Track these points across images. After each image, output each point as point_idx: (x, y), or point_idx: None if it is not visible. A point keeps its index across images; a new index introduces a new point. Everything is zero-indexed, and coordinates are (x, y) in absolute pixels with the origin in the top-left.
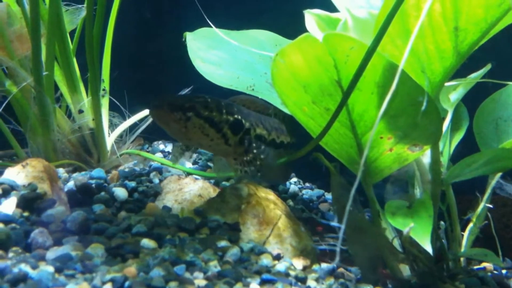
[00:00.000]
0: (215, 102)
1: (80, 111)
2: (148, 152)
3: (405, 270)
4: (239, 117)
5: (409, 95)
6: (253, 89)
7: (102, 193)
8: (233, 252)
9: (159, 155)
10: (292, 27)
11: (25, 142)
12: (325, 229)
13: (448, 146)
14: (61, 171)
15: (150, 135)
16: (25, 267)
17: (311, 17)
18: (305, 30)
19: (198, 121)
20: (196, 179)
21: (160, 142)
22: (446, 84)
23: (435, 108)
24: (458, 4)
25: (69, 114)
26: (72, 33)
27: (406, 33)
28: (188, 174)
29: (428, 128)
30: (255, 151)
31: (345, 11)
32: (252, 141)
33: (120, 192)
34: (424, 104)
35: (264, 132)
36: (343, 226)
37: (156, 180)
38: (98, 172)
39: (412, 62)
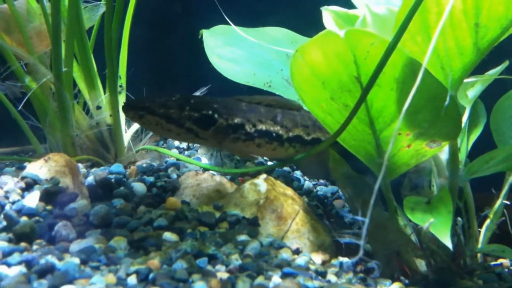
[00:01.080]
0: (179, 100)
1: (98, 107)
2: (163, 148)
3: (421, 265)
4: (210, 113)
5: (429, 92)
6: (269, 86)
7: (122, 188)
8: (253, 246)
9: (174, 151)
10: (307, 24)
11: (43, 137)
12: (339, 224)
13: (465, 142)
14: (80, 166)
15: None
16: (52, 259)
17: (329, 14)
18: (321, 27)
19: (153, 118)
20: (213, 174)
21: None
22: (464, 81)
23: (455, 105)
24: (480, 1)
25: (86, 110)
26: (88, 30)
27: (426, 29)
28: (205, 170)
29: (448, 125)
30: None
31: (363, 8)
32: (224, 135)
33: (139, 187)
34: (447, 99)
35: (275, 128)
36: (367, 221)
37: (174, 175)
38: (117, 167)
39: (432, 59)
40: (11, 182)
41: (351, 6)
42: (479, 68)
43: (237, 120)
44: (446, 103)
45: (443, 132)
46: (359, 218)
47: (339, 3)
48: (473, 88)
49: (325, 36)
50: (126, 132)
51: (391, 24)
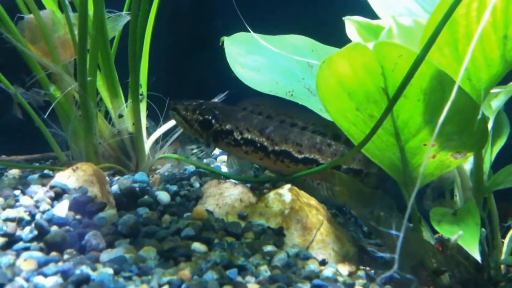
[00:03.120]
0: (195, 105)
1: (120, 116)
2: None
3: (444, 277)
4: (209, 117)
5: (456, 103)
6: (292, 95)
7: (146, 197)
8: (281, 257)
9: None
10: (328, 32)
11: (65, 145)
12: (358, 233)
13: (489, 153)
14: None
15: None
16: (86, 269)
17: (352, 24)
18: (341, 35)
19: (178, 118)
20: (235, 183)
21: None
22: None
23: (482, 116)
24: (509, 13)
25: (108, 118)
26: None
27: (454, 42)
28: (226, 178)
29: (474, 136)
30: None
31: (387, 19)
32: (211, 139)
33: (163, 196)
34: (480, 113)
35: (260, 139)
36: (401, 235)
37: (197, 184)
38: (141, 176)
39: (458, 70)
40: (40, 192)
41: (373, 15)
42: (502, 79)
43: (228, 127)
44: (479, 116)
45: (469, 143)
46: (392, 232)
47: (360, 13)
48: (497, 99)
49: (354, 48)
50: (147, 140)
51: (417, 35)
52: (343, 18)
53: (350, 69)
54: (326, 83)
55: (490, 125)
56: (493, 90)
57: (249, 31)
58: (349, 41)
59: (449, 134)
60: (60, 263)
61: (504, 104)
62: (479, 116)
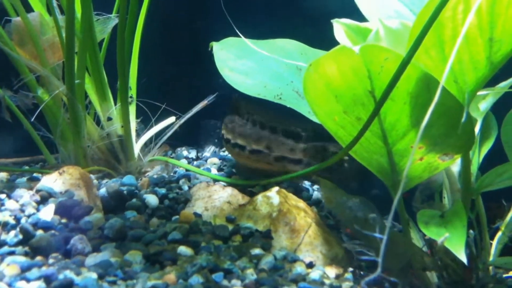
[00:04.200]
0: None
1: (109, 119)
2: (172, 158)
3: (432, 278)
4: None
5: (443, 105)
6: (280, 98)
7: (134, 200)
8: (268, 260)
9: (183, 161)
10: (317, 36)
11: (54, 148)
12: (348, 235)
13: (477, 155)
14: (92, 178)
15: (174, 142)
16: (70, 274)
17: (340, 27)
18: (330, 38)
19: None
20: (224, 186)
21: (183, 148)
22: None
23: (468, 118)
24: (495, 16)
25: (97, 121)
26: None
27: (440, 44)
28: (215, 180)
29: (461, 138)
30: None
31: (376, 21)
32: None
33: (152, 199)
34: (464, 116)
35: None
36: (385, 238)
37: (186, 187)
38: (129, 179)
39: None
40: (26, 195)
41: (362, 18)
42: (490, 81)
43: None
44: (463, 119)
45: (456, 145)
46: (377, 235)
47: (349, 15)
48: (485, 101)
49: (340, 51)
50: (136, 143)
51: (404, 38)
52: (332, 20)
53: (337, 72)
54: (314, 86)
55: (478, 127)
56: (481, 92)
57: (239, 36)
58: (338, 44)
59: (436, 136)
60: (44, 268)
61: (492, 105)
62: (464, 119)
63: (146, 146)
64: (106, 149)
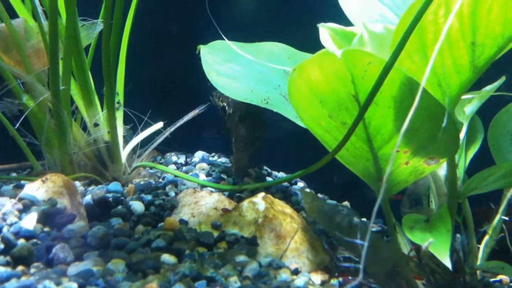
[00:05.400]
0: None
1: (96, 125)
2: (161, 163)
3: (420, 283)
4: (225, 104)
5: (427, 109)
6: (267, 102)
7: (120, 207)
8: (252, 267)
9: (172, 166)
10: (305, 39)
11: (41, 154)
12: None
13: (463, 158)
14: (78, 184)
15: (163, 147)
16: (49, 284)
17: (326, 31)
18: (318, 42)
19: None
20: (212, 191)
21: (172, 153)
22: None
23: (453, 122)
24: (476, 20)
25: (83, 127)
26: (86, 47)
27: (423, 48)
28: (202, 186)
29: (446, 142)
30: None
31: (360, 25)
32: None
33: (137, 206)
34: (445, 120)
35: None
36: (366, 244)
37: (172, 193)
38: (115, 185)
39: (429, 77)
40: (8, 204)
41: (348, 22)
42: (476, 84)
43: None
44: (444, 124)
45: (441, 149)
46: (357, 241)
47: (336, 20)
48: (471, 104)
49: (323, 55)
50: (123, 149)
51: (388, 42)
52: (318, 25)
53: (321, 76)
54: (298, 91)
55: (464, 130)
56: (467, 96)
57: (228, 39)
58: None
59: (421, 140)
60: (24, 278)
61: (478, 108)
62: (445, 123)
63: (134, 152)
64: (92, 155)
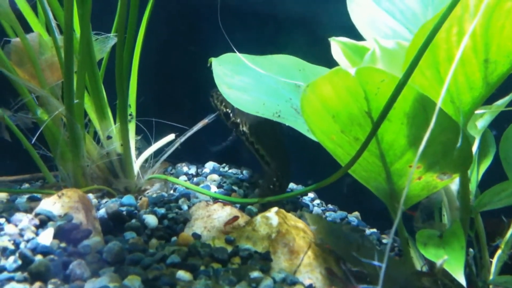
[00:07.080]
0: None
1: (109, 137)
2: (171, 174)
3: None
4: (229, 111)
5: (440, 125)
6: (279, 116)
7: (133, 221)
8: (267, 284)
9: (183, 177)
10: (316, 52)
11: (54, 166)
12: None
13: (476, 173)
14: (91, 197)
15: (173, 159)
16: None
17: (337, 45)
18: (329, 55)
19: (213, 104)
20: (224, 204)
21: (183, 164)
22: None
23: (466, 137)
24: (489, 38)
25: (97, 140)
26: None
27: (435, 64)
28: (214, 199)
29: (459, 157)
30: None
31: (372, 41)
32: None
33: (151, 219)
34: (459, 139)
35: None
36: (383, 266)
37: (185, 207)
38: (128, 199)
39: (441, 92)
40: (25, 220)
41: (359, 36)
42: (487, 99)
43: (238, 120)
44: (458, 144)
45: (454, 164)
46: (375, 263)
47: (347, 33)
48: (482, 119)
49: (336, 73)
50: (136, 161)
51: (400, 57)
52: (329, 38)
53: (334, 93)
54: (311, 106)
55: (476, 144)
56: (478, 111)
57: (240, 52)
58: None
59: (434, 155)
60: None
61: (490, 123)
62: (460, 140)
63: (146, 163)
64: (105, 168)
